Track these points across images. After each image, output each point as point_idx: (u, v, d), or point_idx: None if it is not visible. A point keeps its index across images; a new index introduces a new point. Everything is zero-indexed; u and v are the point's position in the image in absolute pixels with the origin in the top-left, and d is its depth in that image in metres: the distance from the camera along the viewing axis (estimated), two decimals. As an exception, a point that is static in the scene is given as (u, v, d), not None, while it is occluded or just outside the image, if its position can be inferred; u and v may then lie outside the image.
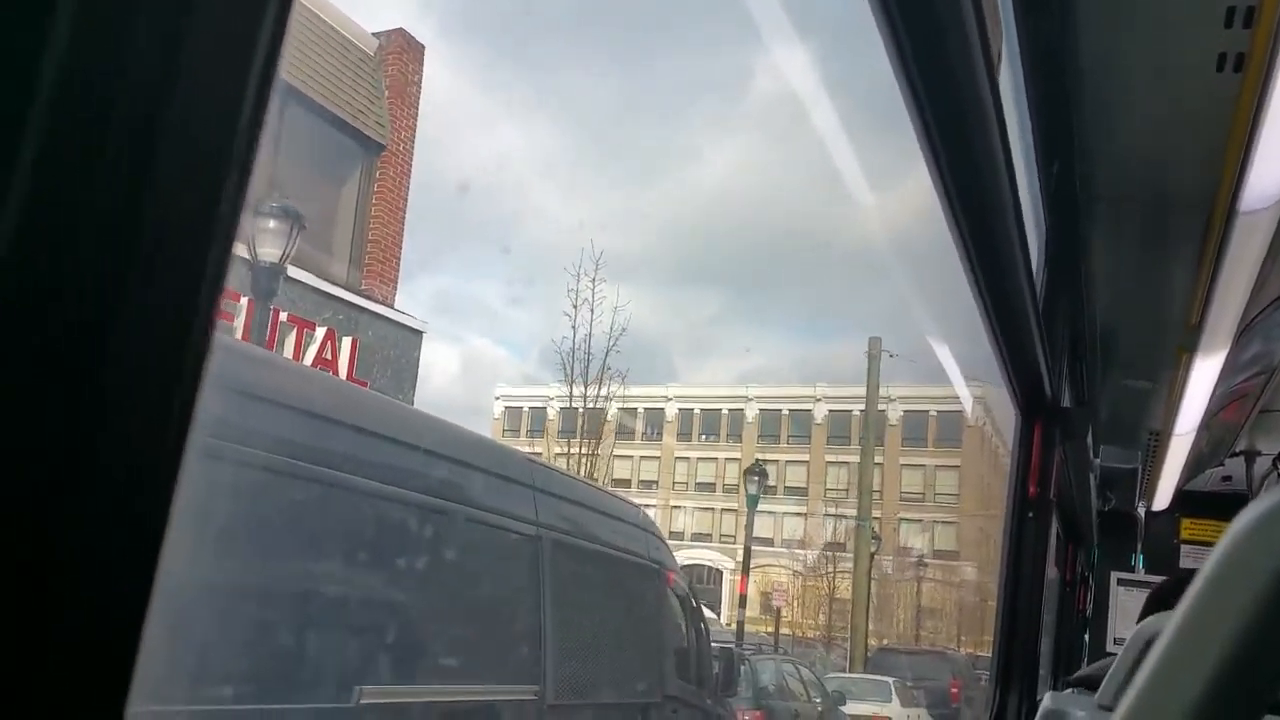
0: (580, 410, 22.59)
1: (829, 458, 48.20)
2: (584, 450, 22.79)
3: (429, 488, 4.79)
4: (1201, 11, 2.22)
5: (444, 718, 4.80)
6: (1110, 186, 3.05)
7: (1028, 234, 2.31)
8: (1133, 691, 0.61)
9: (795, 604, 38.34)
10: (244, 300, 8.74)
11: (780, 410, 52.26)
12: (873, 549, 28.39)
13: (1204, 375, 4.06)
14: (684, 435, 53.26)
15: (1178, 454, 5.46)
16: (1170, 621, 0.61)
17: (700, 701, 7.70)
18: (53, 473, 0.35)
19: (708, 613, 20.51)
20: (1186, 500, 7.19)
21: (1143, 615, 2.82)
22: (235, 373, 3.63)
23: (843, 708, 16.30)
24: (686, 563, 44.04)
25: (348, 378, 11.14)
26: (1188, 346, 3.66)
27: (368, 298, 12.64)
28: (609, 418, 28.30)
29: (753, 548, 26.17)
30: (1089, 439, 4.61)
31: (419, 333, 13.37)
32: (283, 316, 10.58)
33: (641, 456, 52.08)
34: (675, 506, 50.99)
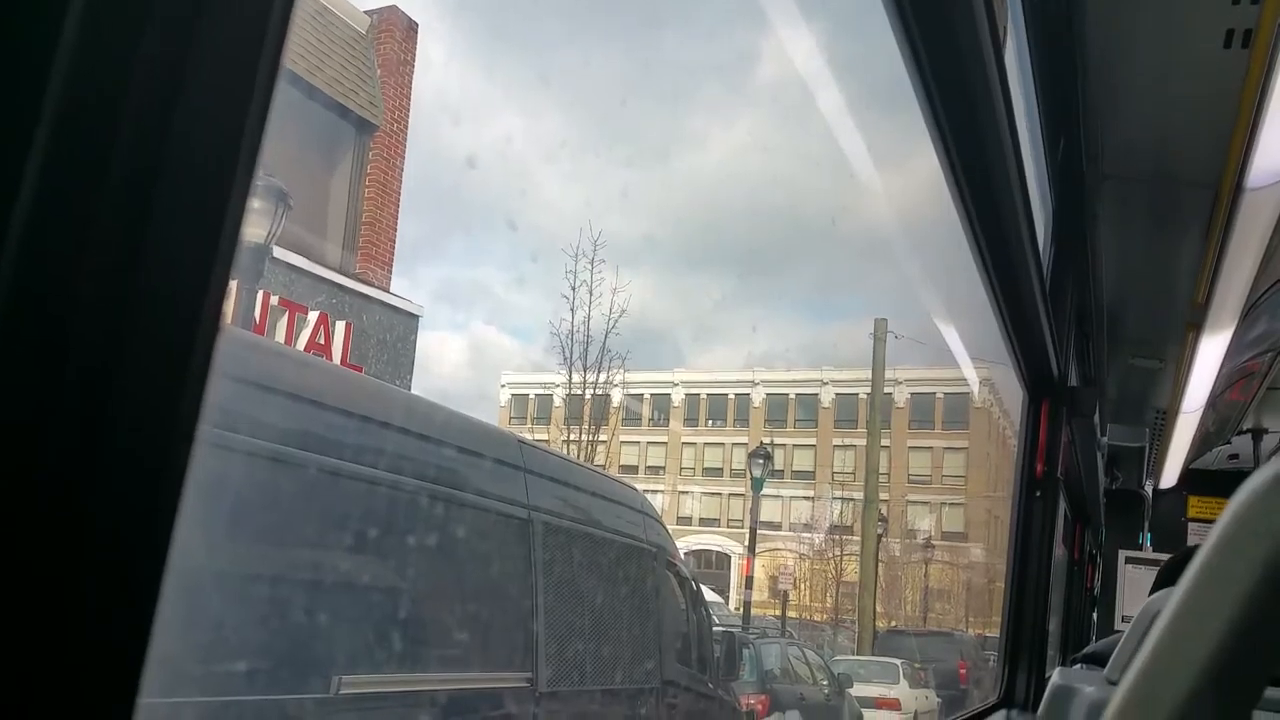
0: (585, 396, 22.54)
1: (836, 441, 48.15)
2: (589, 437, 22.76)
3: (414, 471, 4.69)
4: (1208, -13, 2.21)
5: (432, 707, 4.69)
6: (1116, 164, 3.05)
7: (1034, 213, 2.31)
8: (1137, 664, 0.62)
9: (803, 587, 38.39)
10: (232, 283, 8.69)
11: (787, 394, 52.22)
12: (880, 531, 28.40)
13: (1211, 353, 4.06)
14: (691, 420, 53.24)
15: (1185, 432, 5.46)
16: (1174, 593, 0.61)
17: (701, 686, 7.65)
18: (66, 460, 0.35)
19: (715, 597, 20.41)
20: (1194, 478, 7.19)
21: (1153, 590, 2.83)
22: (221, 357, 3.59)
23: (850, 690, 16.29)
24: (694, 547, 44.11)
25: (342, 363, 11.05)
26: (1195, 323, 3.66)
27: (362, 281, 12.54)
28: (615, 404, 28.29)
29: (760, 532, 26.17)
30: (1096, 418, 4.61)
31: (415, 317, 13.25)
32: (274, 300, 10.53)
33: (648, 442, 52.08)
34: (683, 492, 51.00)
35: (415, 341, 13.25)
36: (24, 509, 0.34)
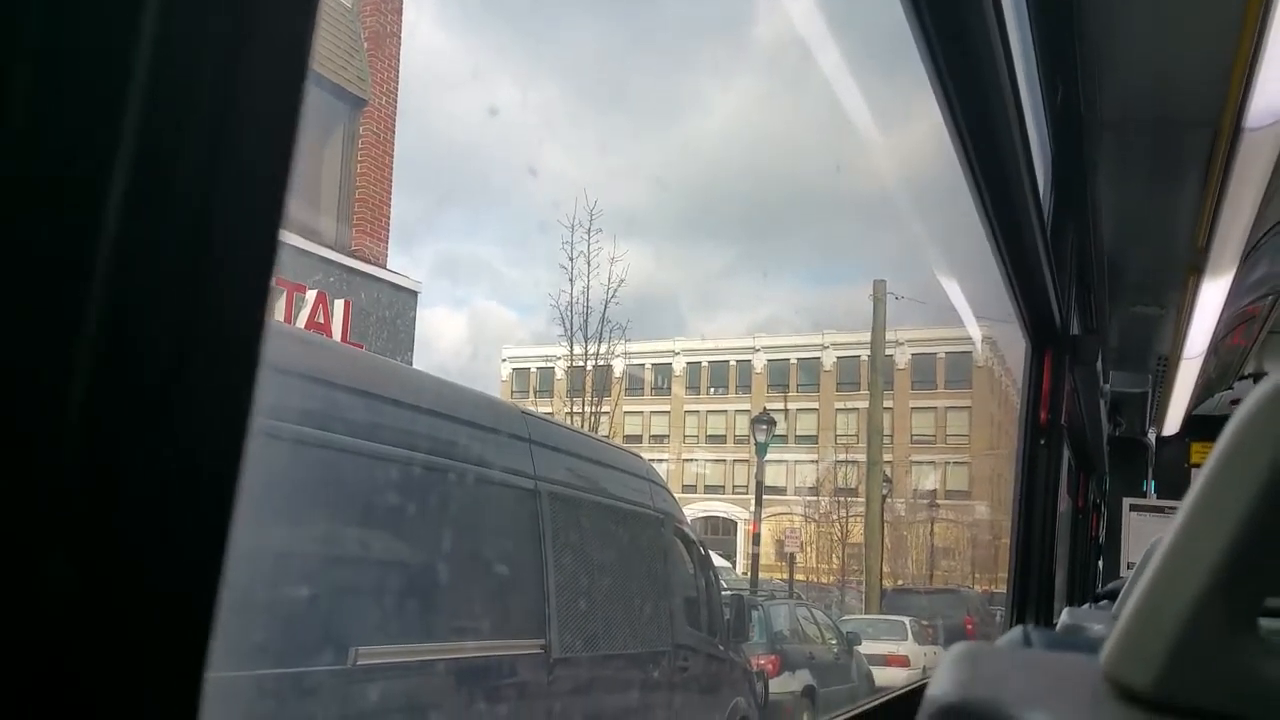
0: (586, 368, 22.49)
1: (839, 404, 48.19)
2: (592, 408, 22.71)
3: (421, 445, 4.72)
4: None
5: (449, 675, 4.73)
6: (1115, 109, 3.05)
7: (1034, 161, 2.32)
8: (1145, 575, 0.62)
9: (809, 549, 38.54)
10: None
11: (788, 359, 52.21)
12: (885, 492, 28.50)
13: (1211, 298, 4.08)
14: (693, 389, 53.27)
15: (1187, 378, 5.48)
16: (1181, 505, 0.62)
17: (712, 649, 7.70)
18: (136, 452, 0.38)
19: (723, 562, 20.44)
20: (1196, 424, 7.22)
21: None
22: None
23: (859, 648, 16.41)
24: (700, 515, 44.20)
25: (342, 341, 11.05)
26: (1195, 269, 3.67)
27: (359, 259, 12.49)
28: (617, 374, 28.26)
29: (766, 496, 26.23)
30: (1098, 366, 4.62)
31: (414, 293, 13.20)
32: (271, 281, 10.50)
33: (652, 412, 52.14)
34: (687, 460, 51.09)
35: (414, 317, 13.21)
36: (103, 499, 0.37)
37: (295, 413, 4.04)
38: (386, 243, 13.30)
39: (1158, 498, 7.95)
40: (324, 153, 12.73)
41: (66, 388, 0.36)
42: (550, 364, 40.46)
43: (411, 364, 11.38)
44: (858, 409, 40.65)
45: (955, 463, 47.39)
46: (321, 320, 11.41)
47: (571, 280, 21.47)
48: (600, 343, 22.07)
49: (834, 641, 15.67)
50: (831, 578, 36.90)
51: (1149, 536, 4.39)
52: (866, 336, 29.01)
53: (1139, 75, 2.86)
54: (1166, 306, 4.72)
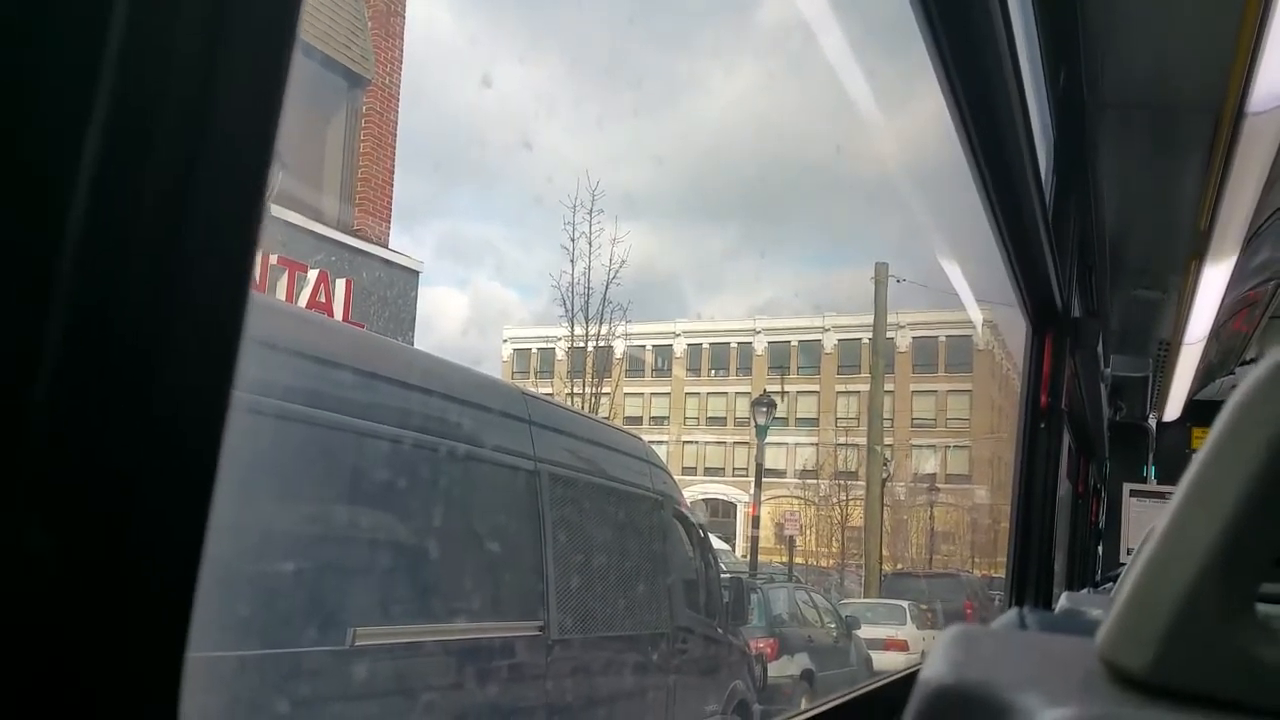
0: (587, 349, 22.48)
1: (839, 387, 48.22)
2: (593, 389, 22.72)
3: (422, 425, 4.71)
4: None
5: (447, 656, 4.73)
6: (1118, 92, 3.04)
7: (1036, 144, 2.31)
8: (1145, 553, 0.62)
9: (809, 533, 38.63)
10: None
11: (789, 341, 52.21)
12: (884, 475, 28.55)
13: (1213, 283, 4.07)
14: (693, 370, 53.30)
15: (1188, 363, 5.48)
16: (1170, 504, 0.62)
17: (711, 631, 7.72)
18: (116, 431, 0.38)
19: (722, 544, 20.47)
20: (1198, 410, 7.22)
21: None
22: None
23: (858, 632, 16.46)
24: (700, 497, 44.29)
25: (344, 320, 11.04)
26: (1197, 253, 3.67)
27: (360, 238, 12.46)
28: (618, 355, 28.25)
29: (766, 479, 26.27)
30: (1099, 350, 4.62)
31: (415, 272, 13.18)
32: (273, 260, 10.49)
33: (652, 393, 52.17)
34: (687, 442, 51.16)
35: (416, 297, 13.20)
36: (81, 482, 0.37)
37: (297, 392, 4.03)
38: (389, 222, 13.28)
39: (1158, 483, 7.95)
40: (327, 132, 12.69)
41: (42, 369, 0.35)
42: (551, 345, 40.47)
43: (413, 344, 11.38)
44: (858, 392, 40.68)
45: (955, 446, 47.44)
46: (323, 299, 11.40)
47: (573, 261, 21.45)
48: (601, 324, 22.07)
49: (833, 625, 15.72)
50: (831, 561, 36.99)
51: (1149, 522, 4.39)
52: (868, 319, 29.01)
53: (1141, 59, 2.85)
54: (1168, 291, 4.72)
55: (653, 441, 10.11)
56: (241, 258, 0.42)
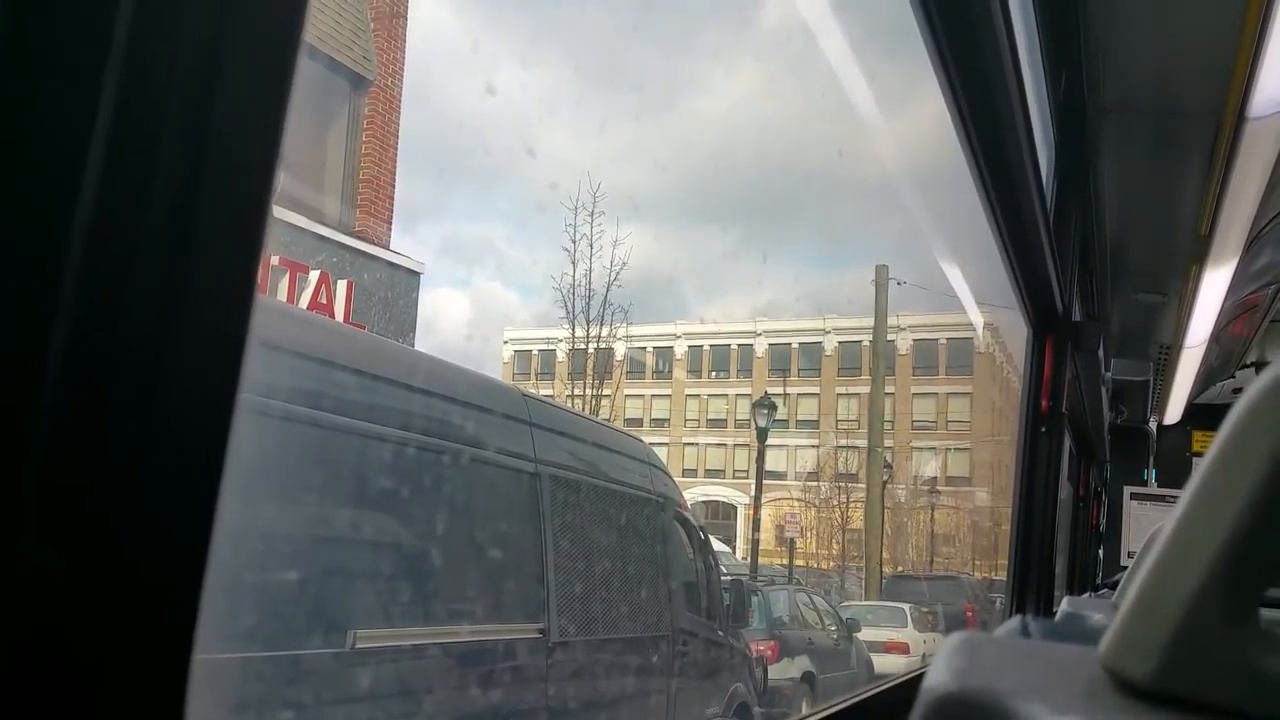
0: (588, 351, 22.48)
1: (840, 389, 48.19)
2: (593, 391, 22.73)
3: (423, 427, 4.70)
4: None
5: (448, 659, 4.72)
6: (1119, 97, 3.04)
7: (1037, 147, 2.32)
8: (1147, 563, 0.62)
9: (809, 535, 38.61)
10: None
11: (790, 344, 52.20)
12: (885, 478, 28.53)
13: (1214, 287, 4.08)
14: (694, 372, 53.29)
15: (1188, 367, 5.48)
16: (1174, 510, 0.61)
17: (712, 633, 7.70)
18: (121, 434, 0.38)
19: (723, 546, 20.46)
20: (1198, 413, 7.22)
21: None
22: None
23: (859, 634, 16.45)
24: (700, 498, 44.27)
25: (345, 321, 11.04)
26: (1198, 257, 3.67)
27: (362, 239, 12.47)
28: (619, 357, 28.25)
29: (766, 481, 26.26)
30: (1100, 353, 4.62)
31: (416, 274, 13.19)
32: (274, 261, 10.49)
33: (653, 395, 52.17)
34: (688, 444, 51.15)
35: (417, 299, 13.21)
36: (88, 484, 0.37)
37: (296, 393, 4.02)
38: (390, 223, 13.28)
39: (1159, 486, 7.95)
40: (328, 133, 12.70)
41: (49, 371, 0.36)
42: (552, 346, 40.44)
43: (414, 345, 11.39)
44: (859, 394, 40.66)
45: (956, 449, 47.42)
46: (324, 301, 11.40)
47: (574, 263, 21.46)
48: (602, 325, 22.08)
49: (833, 628, 15.70)
50: (831, 563, 36.96)
51: (1150, 525, 4.38)
52: (868, 321, 29.00)
53: (1142, 63, 2.85)
54: (1168, 294, 4.72)
55: (653, 443, 10.12)
56: (247, 260, 0.42)
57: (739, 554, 33.28)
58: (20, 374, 0.35)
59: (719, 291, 68.43)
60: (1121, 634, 0.62)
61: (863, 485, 30.34)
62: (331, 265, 11.63)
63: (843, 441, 41.16)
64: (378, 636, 4.31)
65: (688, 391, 52.87)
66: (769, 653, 11.96)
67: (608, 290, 21.71)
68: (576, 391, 22.80)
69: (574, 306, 21.71)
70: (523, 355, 50.44)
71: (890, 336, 31.29)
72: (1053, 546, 3.59)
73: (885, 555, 29.77)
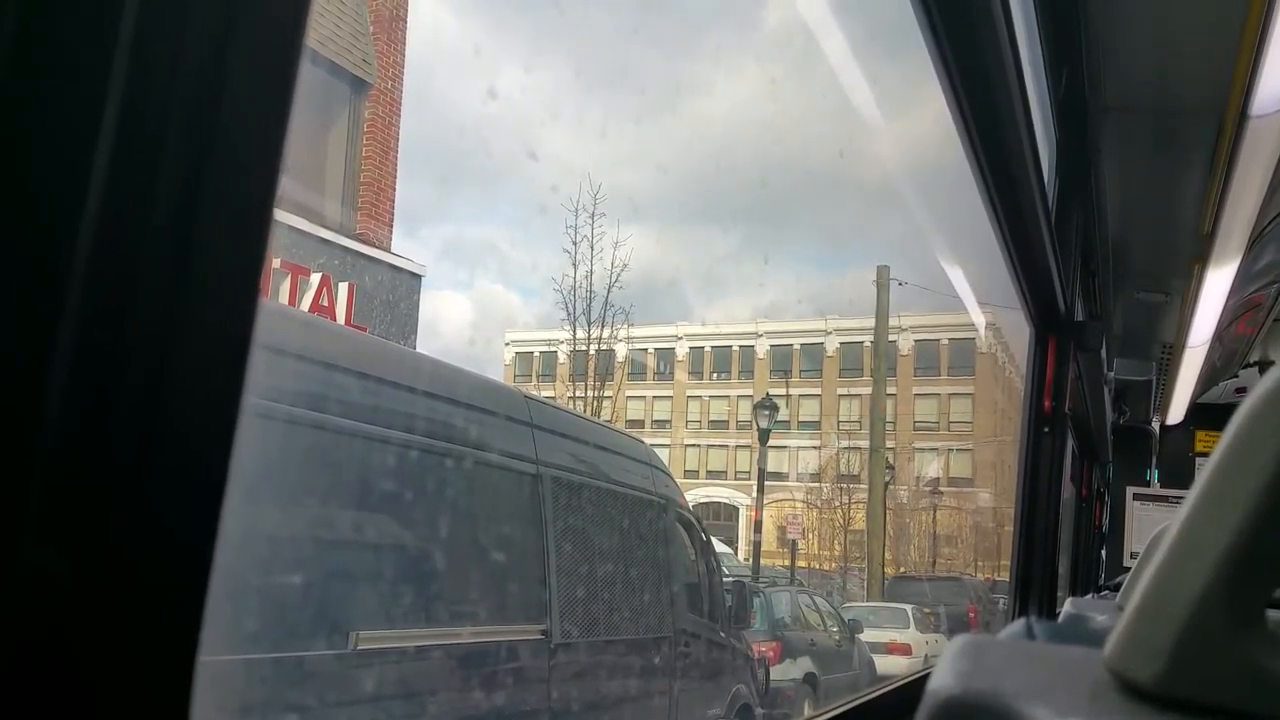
0: (589, 352, 22.50)
1: (842, 390, 48.20)
2: (595, 393, 22.75)
3: (425, 429, 4.71)
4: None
5: (450, 660, 4.72)
6: (1120, 95, 3.03)
7: (1039, 146, 2.31)
8: (1151, 567, 0.61)
9: (811, 536, 38.61)
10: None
11: (792, 345, 52.22)
12: (887, 479, 28.54)
13: (1216, 286, 4.07)
14: (695, 374, 53.32)
15: (1191, 366, 5.47)
16: (1180, 511, 0.61)
17: (713, 635, 7.71)
18: (127, 437, 0.38)
19: (724, 548, 20.51)
20: (1201, 413, 7.22)
21: None
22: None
23: (861, 636, 16.44)
24: (702, 500, 44.27)
25: (346, 324, 11.07)
26: (1200, 256, 3.66)
27: (363, 242, 12.49)
28: (620, 359, 28.26)
29: (768, 483, 26.27)
30: (1102, 353, 4.62)
31: (418, 276, 13.23)
32: (276, 264, 10.51)
33: (654, 396, 52.20)
34: (689, 445, 51.18)
35: (418, 301, 13.23)
36: (94, 488, 0.37)
37: (298, 395, 4.03)
38: (391, 226, 13.31)
39: (1161, 486, 7.94)
40: (329, 136, 12.72)
41: (52, 374, 0.36)
42: (553, 348, 40.46)
43: (415, 347, 11.41)
44: (860, 395, 40.68)
45: (958, 449, 47.42)
46: (326, 303, 11.43)
47: (575, 265, 21.49)
48: (603, 327, 22.11)
49: (836, 629, 15.70)
50: (833, 564, 36.96)
51: (1153, 525, 4.38)
52: (870, 322, 29.02)
53: (1144, 61, 2.85)
54: (1171, 293, 4.71)
55: (655, 445, 10.13)
56: (251, 263, 0.42)
57: (741, 555, 33.29)
58: (24, 376, 0.35)
59: (720, 293, 68.52)
60: (1126, 636, 0.62)
61: (864, 486, 30.34)
62: (333, 268, 11.66)
63: (844, 443, 41.18)
64: (380, 638, 4.32)
65: (689, 393, 52.90)
66: (771, 654, 11.96)
67: (609, 292, 21.76)
68: (578, 393, 22.82)
69: (575, 308, 21.75)
70: (524, 357, 50.48)
71: (892, 337, 31.32)
72: (1056, 547, 3.59)
73: (887, 556, 29.78)
